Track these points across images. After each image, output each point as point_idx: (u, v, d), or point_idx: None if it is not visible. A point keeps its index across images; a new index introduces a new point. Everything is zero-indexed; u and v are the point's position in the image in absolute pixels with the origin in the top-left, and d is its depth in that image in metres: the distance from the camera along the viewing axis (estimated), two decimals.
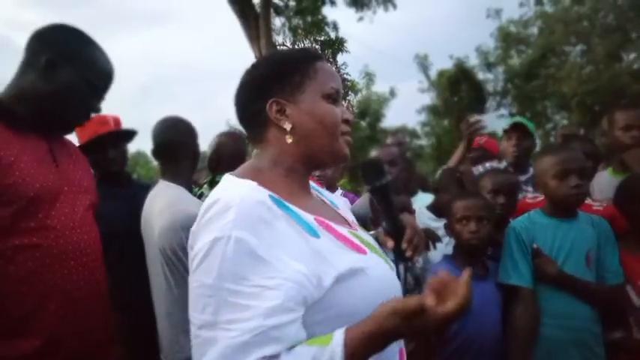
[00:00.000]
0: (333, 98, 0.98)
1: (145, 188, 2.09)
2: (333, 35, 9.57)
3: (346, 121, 1.00)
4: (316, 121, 0.96)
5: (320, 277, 0.81)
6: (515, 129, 2.76)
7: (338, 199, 1.17)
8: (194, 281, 0.81)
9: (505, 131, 2.84)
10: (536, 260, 1.75)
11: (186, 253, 1.80)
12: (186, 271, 1.77)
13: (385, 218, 1.05)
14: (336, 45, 9.63)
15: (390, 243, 1.04)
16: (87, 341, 1.42)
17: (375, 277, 0.89)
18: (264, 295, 0.75)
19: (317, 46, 9.66)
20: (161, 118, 2.03)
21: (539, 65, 17.13)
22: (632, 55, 17.87)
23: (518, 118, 2.83)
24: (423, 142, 22.26)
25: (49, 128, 1.47)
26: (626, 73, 16.47)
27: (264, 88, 0.98)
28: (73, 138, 1.80)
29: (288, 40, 9.53)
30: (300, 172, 0.99)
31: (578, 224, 1.80)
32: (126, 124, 2.34)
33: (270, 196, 0.86)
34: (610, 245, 1.77)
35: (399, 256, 1.04)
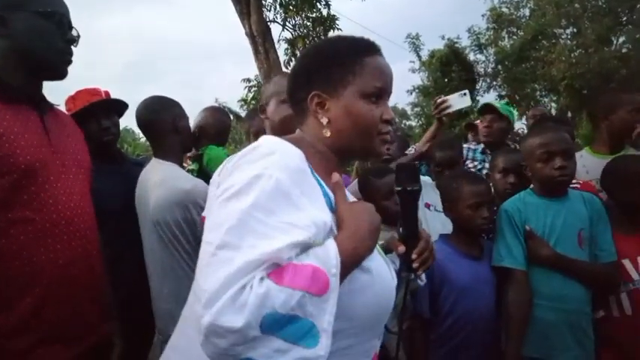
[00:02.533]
0: (375, 97, 0.98)
1: (138, 165, 2.07)
2: (324, 12, 9.46)
3: (386, 122, 1.00)
4: (351, 121, 0.97)
5: (333, 229, 0.86)
6: (487, 111, 2.94)
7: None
8: (223, 207, 0.81)
9: (479, 113, 3.03)
10: (529, 242, 1.76)
11: (180, 229, 1.84)
12: (181, 245, 1.82)
13: (403, 224, 1.04)
14: (328, 22, 9.52)
15: (402, 248, 1.03)
16: (78, 316, 1.41)
17: (377, 277, 0.91)
18: (291, 231, 0.78)
19: (308, 23, 9.57)
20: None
21: (529, 48, 17.11)
22: (622, 39, 17.95)
23: (489, 101, 3.00)
24: (413, 122, 22.29)
25: (38, 91, 1.44)
26: (615, 57, 16.55)
27: (309, 79, 1.00)
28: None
29: (279, 17, 9.40)
30: (333, 160, 1.01)
31: (569, 203, 1.81)
32: None
33: (308, 164, 0.90)
34: (602, 223, 1.79)
35: (404, 265, 1.03)
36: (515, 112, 3.05)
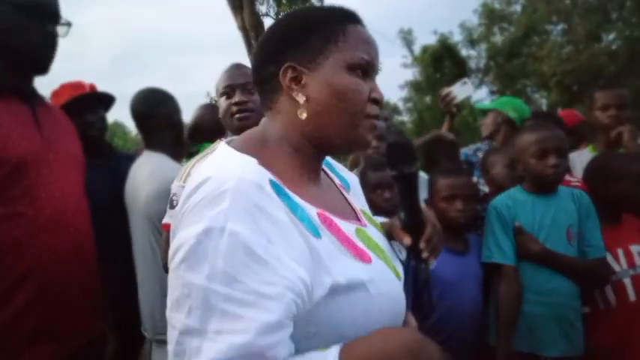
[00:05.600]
0: (361, 70, 0.81)
1: (128, 159, 2.06)
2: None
3: (374, 101, 0.83)
4: (334, 96, 0.79)
5: (313, 286, 0.69)
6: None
7: (351, 178, 1.03)
8: (178, 277, 0.67)
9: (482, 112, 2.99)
10: (519, 238, 1.77)
11: None
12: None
13: (405, 210, 0.91)
14: None
15: (407, 240, 0.90)
16: (71, 312, 1.41)
17: (377, 294, 0.76)
18: (261, 305, 0.63)
19: None
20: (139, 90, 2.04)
21: (521, 44, 17.21)
22: (611, 36, 18.10)
23: (477, 104, 3.03)
24: (405, 118, 22.34)
25: (28, 84, 1.42)
26: (605, 53, 16.70)
27: (281, 50, 0.82)
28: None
29: (272, 10, 9.35)
30: (310, 153, 0.84)
31: (558, 200, 1.83)
32: None
33: (270, 181, 0.73)
34: (591, 219, 1.81)
35: (413, 255, 0.92)
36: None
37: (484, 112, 2.96)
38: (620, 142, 2.17)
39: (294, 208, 0.73)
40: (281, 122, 0.83)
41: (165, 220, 1.65)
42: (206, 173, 0.72)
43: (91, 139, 2.10)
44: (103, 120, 2.22)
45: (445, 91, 2.42)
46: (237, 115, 1.56)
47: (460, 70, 17.62)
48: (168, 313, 0.70)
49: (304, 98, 0.80)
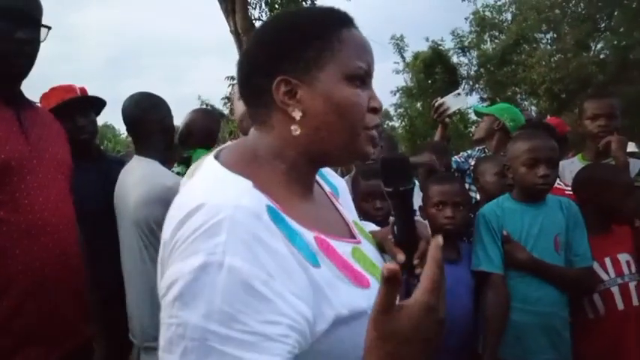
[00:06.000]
0: (359, 80, 0.76)
1: (119, 163, 2.05)
2: None
3: (374, 110, 0.78)
4: (333, 110, 0.74)
5: (315, 320, 0.65)
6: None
7: (338, 182, 1.00)
8: (170, 316, 0.62)
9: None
10: (506, 246, 1.79)
11: (159, 226, 1.81)
12: (159, 244, 1.79)
13: (399, 226, 0.88)
14: None
15: (401, 257, 0.87)
16: (58, 318, 1.39)
17: None
18: (263, 347, 0.59)
19: None
20: (131, 94, 2.03)
21: (511, 51, 17.39)
22: (600, 45, 18.37)
23: (475, 106, 3.08)
24: (396, 124, 22.44)
25: (12, 88, 1.40)
26: (593, 62, 16.93)
27: (272, 61, 0.75)
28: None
29: (264, 15, 9.36)
30: (305, 169, 0.79)
31: (546, 209, 1.84)
32: None
33: (267, 207, 0.69)
34: (579, 228, 1.83)
35: (406, 270, 0.89)
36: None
37: (479, 115, 2.98)
38: (609, 152, 2.19)
39: (292, 237, 0.69)
40: (274, 138, 0.77)
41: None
42: (197, 198, 0.66)
43: (82, 143, 2.09)
44: (94, 124, 2.21)
45: (439, 101, 2.43)
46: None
47: (451, 76, 17.76)
48: (160, 353, 0.64)
49: (300, 114, 0.74)
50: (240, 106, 1.63)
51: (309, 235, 0.73)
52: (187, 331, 0.60)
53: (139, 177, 1.87)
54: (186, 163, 2.67)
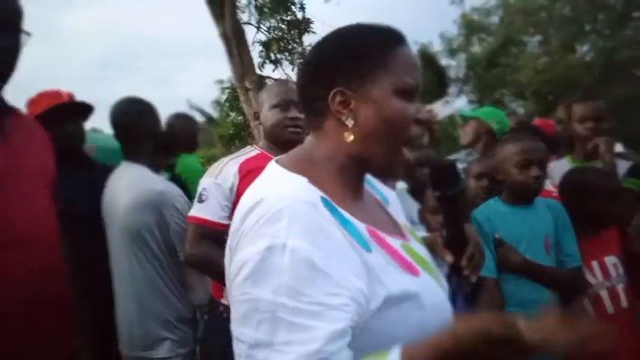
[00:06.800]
0: (408, 94, 0.83)
1: (109, 171, 2.03)
2: (299, 15, 9.45)
3: (418, 121, 0.88)
4: (383, 121, 0.81)
5: (369, 297, 0.72)
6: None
7: (389, 193, 1.05)
8: (243, 293, 0.71)
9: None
10: (499, 250, 1.79)
11: (150, 234, 1.82)
12: (150, 251, 1.78)
13: (448, 228, 0.94)
14: (302, 25, 9.51)
15: (449, 258, 0.92)
16: (41, 331, 1.36)
17: (429, 306, 0.79)
18: (328, 315, 0.67)
19: (283, 26, 9.54)
20: (119, 99, 2.02)
21: (499, 54, 17.56)
22: (586, 47, 18.63)
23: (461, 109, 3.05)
24: None
25: None
26: (579, 64, 17.17)
27: (330, 73, 0.83)
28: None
29: (253, 19, 9.34)
30: (355, 171, 0.87)
31: (535, 210, 1.86)
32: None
33: (322, 198, 0.76)
34: (567, 229, 1.84)
35: (455, 272, 0.94)
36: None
37: (465, 119, 2.99)
38: (597, 154, 2.22)
39: (345, 224, 0.77)
40: (328, 143, 0.85)
41: (191, 213, 1.72)
42: (259, 194, 0.76)
43: (70, 150, 2.06)
44: (82, 130, 2.18)
45: (427, 108, 2.46)
46: (291, 129, 1.72)
47: (440, 79, 17.88)
48: (234, 327, 0.73)
49: (352, 122, 0.81)
50: (274, 115, 1.75)
51: (361, 226, 0.80)
52: (260, 305, 0.68)
53: (127, 183, 1.86)
54: (171, 169, 2.65)
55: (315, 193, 0.77)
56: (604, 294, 1.82)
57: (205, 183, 1.72)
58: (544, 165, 1.84)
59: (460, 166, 2.82)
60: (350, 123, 0.81)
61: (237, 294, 0.72)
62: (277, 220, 0.71)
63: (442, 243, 0.94)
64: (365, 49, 0.83)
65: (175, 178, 2.53)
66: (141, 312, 1.79)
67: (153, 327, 1.78)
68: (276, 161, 0.87)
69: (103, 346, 1.83)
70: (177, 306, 1.82)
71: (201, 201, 1.70)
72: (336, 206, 0.78)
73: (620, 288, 1.83)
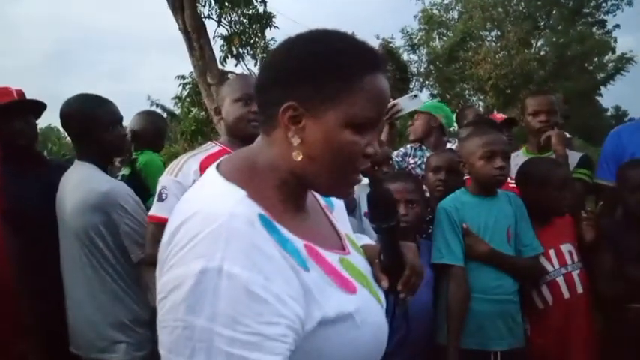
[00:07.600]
0: (364, 128, 0.77)
1: (62, 168, 1.94)
2: (261, 9, 9.35)
3: (367, 157, 0.80)
4: (330, 150, 0.76)
5: (304, 321, 0.70)
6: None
7: (336, 200, 1.01)
8: (177, 319, 0.65)
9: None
10: (467, 239, 1.85)
11: (99, 234, 1.76)
12: (100, 253, 1.73)
13: (385, 255, 0.94)
14: (264, 20, 9.43)
15: (385, 283, 0.92)
16: None
17: (363, 323, 0.77)
18: (265, 346, 0.64)
19: (244, 20, 9.42)
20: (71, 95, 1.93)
21: (458, 49, 17.96)
22: (540, 42, 19.35)
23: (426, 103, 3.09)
24: None
25: None
26: (534, 58, 17.81)
27: (288, 83, 0.77)
28: None
29: (214, 13, 9.17)
30: (298, 186, 0.82)
31: (498, 202, 1.92)
32: (34, 95, 2.12)
33: (259, 216, 0.72)
34: (524, 220, 1.92)
35: (391, 293, 0.95)
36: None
37: (411, 113, 3.00)
38: (550, 146, 2.31)
39: (283, 243, 0.73)
40: (274, 152, 0.80)
41: (151, 213, 1.69)
42: (193, 206, 0.72)
43: (21, 149, 1.97)
44: (34, 128, 2.08)
45: (392, 102, 2.43)
46: (253, 123, 1.68)
47: (402, 73, 18.13)
48: (163, 352, 0.68)
49: (299, 141, 0.76)
50: (236, 109, 1.72)
51: (298, 243, 0.77)
52: (195, 333, 0.64)
53: (75, 183, 1.81)
54: (132, 164, 2.59)
55: (252, 210, 0.72)
56: (560, 280, 1.90)
57: (165, 181, 1.69)
58: (507, 156, 1.91)
59: (411, 161, 2.85)
60: (295, 142, 0.76)
61: (168, 319, 0.67)
62: (212, 240, 0.66)
63: (379, 267, 0.94)
64: (333, 68, 0.76)
65: (135, 175, 2.46)
66: (94, 314, 1.74)
67: (107, 330, 1.72)
68: (217, 167, 0.81)
69: (54, 348, 1.77)
70: (132, 307, 1.76)
71: (161, 200, 1.66)
72: (275, 223, 0.74)
73: (575, 274, 1.91)
